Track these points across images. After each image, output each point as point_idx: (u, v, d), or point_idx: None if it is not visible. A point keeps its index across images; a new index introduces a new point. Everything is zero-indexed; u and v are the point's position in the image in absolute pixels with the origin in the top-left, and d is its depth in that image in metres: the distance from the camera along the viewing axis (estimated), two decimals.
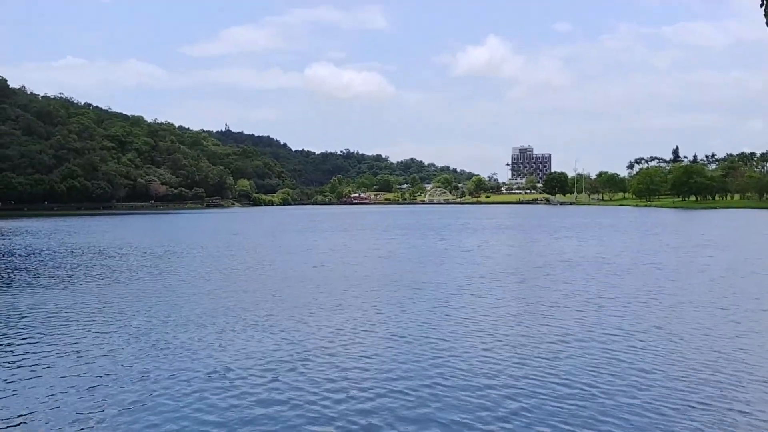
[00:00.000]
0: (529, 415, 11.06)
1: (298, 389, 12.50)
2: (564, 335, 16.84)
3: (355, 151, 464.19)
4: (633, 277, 28.70)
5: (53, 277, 30.37)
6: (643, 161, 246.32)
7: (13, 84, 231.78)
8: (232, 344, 16.13)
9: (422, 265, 34.72)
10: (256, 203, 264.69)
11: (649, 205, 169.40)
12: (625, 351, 15.11)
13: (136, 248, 46.89)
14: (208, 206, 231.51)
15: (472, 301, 22.44)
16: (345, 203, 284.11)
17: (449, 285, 26.46)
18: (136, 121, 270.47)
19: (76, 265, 35.35)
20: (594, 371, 13.47)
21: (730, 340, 16.22)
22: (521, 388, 12.42)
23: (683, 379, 12.94)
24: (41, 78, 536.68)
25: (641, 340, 16.15)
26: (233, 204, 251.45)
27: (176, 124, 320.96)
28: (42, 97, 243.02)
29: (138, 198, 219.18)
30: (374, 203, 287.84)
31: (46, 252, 44.08)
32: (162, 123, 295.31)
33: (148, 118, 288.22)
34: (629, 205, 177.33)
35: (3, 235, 65.05)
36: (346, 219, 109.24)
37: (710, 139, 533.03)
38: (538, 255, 41.13)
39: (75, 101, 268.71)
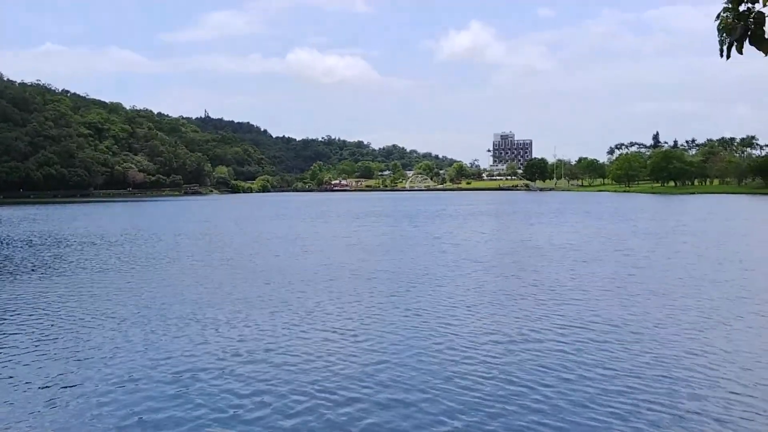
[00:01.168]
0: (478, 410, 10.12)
1: (214, 388, 11.49)
2: (519, 326, 15.91)
3: (337, 138, 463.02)
4: (599, 264, 27.85)
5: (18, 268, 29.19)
6: (623, 147, 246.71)
7: None
8: (154, 342, 15.08)
9: (386, 253, 33.67)
10: (235, 190, 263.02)
11: (628, 191, 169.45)
12: (578, 342, 14.20)
13: (94, 236, 45.61)
14: (186, 193, 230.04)
15: (426, 291, 21.45)
16: (325, 190, 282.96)
17: (407, 275, 25.46)
18: (115, 108, 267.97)
19: (22, 258, 34.12)
20: (541, 366, 12.54)
21: (688, 328, 15.36)
22: (465, 383, 11.49)
23: (631, 371, 12.05)
24: (20, 65, 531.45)
25: (595, 331, 15.25)
26: (211, 191, 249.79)
27: (156, 111, 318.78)
28: (18, 83, 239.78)
29: (115, 185, 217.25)
30: (355, 190, 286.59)
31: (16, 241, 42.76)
32: (140, 110, 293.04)
33: (127, 105, 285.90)
34: (608, 191, 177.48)
35: None
36: (321, 206, 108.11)
37: (694, 125, 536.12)
38: (507, 242, 40.34)
39: (52, 88, 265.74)
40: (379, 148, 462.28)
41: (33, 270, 28.20)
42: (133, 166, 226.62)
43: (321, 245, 38.77)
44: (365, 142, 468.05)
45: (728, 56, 5.44)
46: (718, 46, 5.45)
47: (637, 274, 24.81)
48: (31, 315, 18.18)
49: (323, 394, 11.27)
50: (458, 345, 14.41)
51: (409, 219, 64.58)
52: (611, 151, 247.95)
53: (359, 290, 21.76)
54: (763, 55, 5.28)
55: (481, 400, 10.93)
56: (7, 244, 41.29)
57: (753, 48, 5.31)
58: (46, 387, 11.84)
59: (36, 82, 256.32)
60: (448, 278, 24.39)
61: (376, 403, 10.89)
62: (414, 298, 20.23)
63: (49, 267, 29.15)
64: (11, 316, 18.12)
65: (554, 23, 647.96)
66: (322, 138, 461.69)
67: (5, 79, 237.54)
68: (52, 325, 16.78)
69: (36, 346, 14.75)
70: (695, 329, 15.59)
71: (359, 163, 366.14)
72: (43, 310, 18.87)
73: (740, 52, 5.40)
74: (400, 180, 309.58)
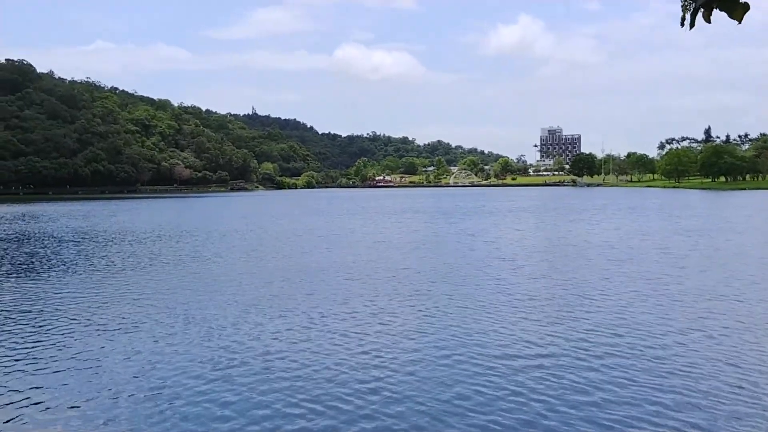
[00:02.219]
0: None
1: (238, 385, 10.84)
2: (534, 331, 14.95)
3: (382, 134, 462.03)
4: (633, 264, 26.57)
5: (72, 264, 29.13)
6: (674, 141, 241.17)
7: (42, 69, 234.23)
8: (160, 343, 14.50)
9: (413, 251, 32.92)
10: (280, 186, 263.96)
11: (678, 187, 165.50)
12: (592, 349, 13.20)
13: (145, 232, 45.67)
14: (232, 189, 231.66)
15: (445, 292, 20.54)
16: (369, 186, 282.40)
17: (430, 274, 24.62)
18: (162, 104, 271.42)
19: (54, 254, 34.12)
20: (555, 377, 11.61)
21: (714, 335, 14.21)
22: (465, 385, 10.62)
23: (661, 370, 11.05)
24: (71, 63, 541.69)
25: (615, 337, 14.21)
26: (257, 187, 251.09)
27: (203, 108, 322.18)
28: (69, 81, 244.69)
29: (162, 182, 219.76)
30: (398, 186, 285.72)
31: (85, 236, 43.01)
32: (188, 106, 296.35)
33: (175, 102, 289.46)
34: (657, 187, 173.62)
35: (35, 218, 64.26)
36: (361, 202, 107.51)
37: (747, 119, 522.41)
38: (541, 240, 39.15)
39: (101, 85, 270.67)
40: (424, 144, 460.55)
41: (58, 266, 28.07)
42: (179, 162, 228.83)
43: (348, 242, 38.09)
44: (410, 138, 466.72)
45: (692, 25, 4.34)
46: (681, 13, 4.39)
47: (673, 275, 23.51)
48: (53, 313, 17.83)
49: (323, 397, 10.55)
50: (465, 353, 13.52)
51: (446, 216, 63.55)
52: (662, 146, 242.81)
53: (377, 290, 20.95)
54: (736, 23, 4.24)
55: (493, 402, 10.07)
56: (52, 238, 41.48)
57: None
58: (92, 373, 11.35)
59: (85, 80, 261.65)
60: (470, 278, 23.44)
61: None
62: (431, 298, 19.35)
63: (73, 263, 28.98)
64: (49, 313, 17.79)
65: (602, 16, 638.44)
66: (367, 134, 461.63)
67: (56, 77, 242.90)
68: (66, 324, 16.39)
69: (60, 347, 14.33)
70: (722, 335, 14.43)
71: (403, 159, 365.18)
72: (57, 308, 18.52)
73: (707, 20, 4.33)
74: (444, 176, 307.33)
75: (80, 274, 25.50)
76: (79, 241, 39.96)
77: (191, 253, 32.55)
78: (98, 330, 15.81)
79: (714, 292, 19.80)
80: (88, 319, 17.01)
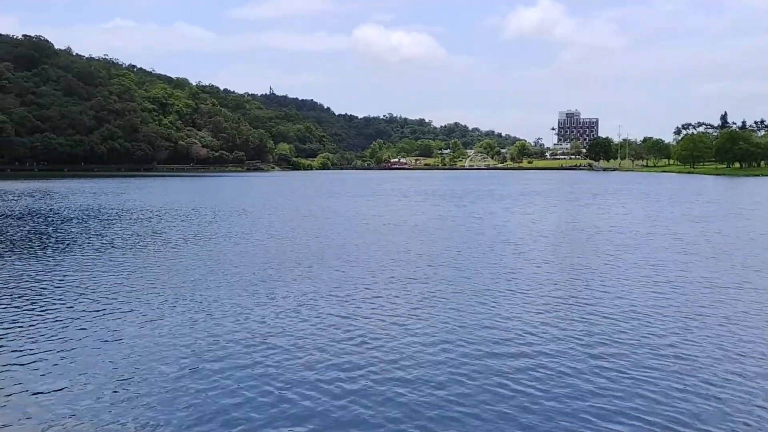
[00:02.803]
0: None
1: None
2: (528, 318, 14.87)
3: (398, 116, 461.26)
4: (639, 250, 26.36)
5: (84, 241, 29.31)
6: (690, 127, 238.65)
7: (60, 45, 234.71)
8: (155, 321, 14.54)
9: (419, 234, 32.87)
10: (296, 167, 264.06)
11: (693, 172, 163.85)
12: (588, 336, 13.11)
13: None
14: (249, 169, 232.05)
15: (447, 277, 20.49)
16: (384, 168, 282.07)
17: (433, 258, 24.54)
18: (180, 83, 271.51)
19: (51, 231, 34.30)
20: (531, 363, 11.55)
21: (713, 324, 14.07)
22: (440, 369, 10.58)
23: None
24: (89, 40, 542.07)
25: (607, 324, 14.10)
26: (273, 168, 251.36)
27: (222, 87, 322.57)
28: (87, 58, 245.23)
29: (179, 160, 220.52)
30: (413, 168, 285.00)
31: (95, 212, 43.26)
32: (205, 85, 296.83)
33: (193, 81, 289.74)
34: (672, 172, 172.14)
35: (56, 194, 64.73)
36: (374, 184, 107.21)
37: (765, 106, 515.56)
38: (549, 223, 38.86)
39: (119, 62, 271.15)
40: (441, 126, 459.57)
41: (60, 244, 28.24)
42: (196, 141, 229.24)
43: (354, 225, 37.99)
44: (426, 120, 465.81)
45: None
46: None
47: (679, 261, 23.29)
48: (55, 291, 17.94)
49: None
50: (455, 340, 13.47)
51: (457, 199, 63.35)
52: (678, 131, 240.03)
53: (374, 274, 20.91)
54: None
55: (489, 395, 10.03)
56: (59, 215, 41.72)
57: None
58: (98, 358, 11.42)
59: (103, 57, 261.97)
60: (471, 262, 23.32)
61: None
62: (428, 283, 19.30)
63: (71, 241, 29.13)
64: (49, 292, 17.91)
65: (623, 1, 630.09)
66: (384, 116, 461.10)
67: (74, 53, 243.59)
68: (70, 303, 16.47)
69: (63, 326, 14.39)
70: (720, 324, 14.29)
71: (419, 142, 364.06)
72: (56, 286, 18.63)
73: None
74: (460, 159, 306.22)
75: (74, 254, 25.35)
76: (83, 219, 40.19)
77: (194, 233, 32.65)
78: (82, 312, 15.70)
79: (716, 281, 19.61)
80: (74, 300, 16.96)
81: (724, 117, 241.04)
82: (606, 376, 11.06)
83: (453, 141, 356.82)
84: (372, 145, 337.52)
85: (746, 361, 11.87)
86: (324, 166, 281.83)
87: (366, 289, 18.43)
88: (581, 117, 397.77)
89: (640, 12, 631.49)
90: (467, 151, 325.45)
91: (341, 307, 16.18)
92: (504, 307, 16.06)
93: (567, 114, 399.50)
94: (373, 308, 16.05)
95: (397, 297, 17.36)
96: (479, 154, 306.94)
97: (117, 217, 41.44)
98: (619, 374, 11.18)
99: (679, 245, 27.63)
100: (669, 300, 16.86)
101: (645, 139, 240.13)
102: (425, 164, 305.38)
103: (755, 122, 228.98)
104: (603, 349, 12.54)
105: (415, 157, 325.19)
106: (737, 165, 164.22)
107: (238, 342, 13.10)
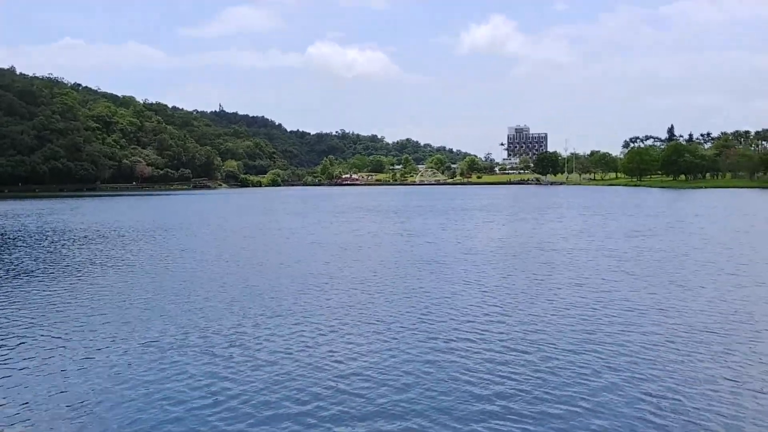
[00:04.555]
0: None
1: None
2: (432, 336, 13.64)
3: (351, 132, 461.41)
4: (566, 268, 25.44)
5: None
6: (638, 140, 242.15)
7: (4, 65, 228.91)
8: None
9: (347, 251, 31.67)
10: (244, 184, 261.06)
11: (639, 185, 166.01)
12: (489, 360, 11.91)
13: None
14: (195, 187, 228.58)
15: (363, 299, 19.20)
16: (335, 184, 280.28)
17: (357, 276, 23.26)
18: (126, 101, 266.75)
19: None
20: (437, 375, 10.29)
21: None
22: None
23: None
24: (37, 60, 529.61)
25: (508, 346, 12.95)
26: (220, 185, 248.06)
27: (171, 105, 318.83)
28: (32, 76, 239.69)
29: (123, 179, 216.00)
30: (365, 184, 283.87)
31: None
32: (152, 103, 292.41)
33: (141, 99, 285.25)
34: (619, 185, 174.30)
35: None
36: (319, 201, 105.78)
37: (713, 119, 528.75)
38: (482, 240, 37.84)
39: (64, 81, 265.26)
40: (393, 142, 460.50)
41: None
42: (140, 159, 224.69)
43: (283, 242, 36.61)
44: (379, 136, 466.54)
45: None
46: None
47: (603, 278, 22.41)
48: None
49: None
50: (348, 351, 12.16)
51: (393, 214, 62.24)
52: (626, 145, 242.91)
53: (287, 293, 19.54)
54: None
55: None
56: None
57: None
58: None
59: (47, 76, 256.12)
60: (391, 281, 22.11)
61: None
62: (343, 306, 17.99)
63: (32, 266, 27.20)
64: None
65: (571, 17, 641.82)
66: (336, 132, 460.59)
67: (18, 73, 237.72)
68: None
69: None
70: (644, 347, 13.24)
71: (371, 157, 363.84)
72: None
73: None
74: (411, 174, 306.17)
75: None
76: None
77: (130, 255, 30.90)
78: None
79: (640, 300, 18.70)
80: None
81: (671, 130, 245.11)
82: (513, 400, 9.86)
83: (404, 157, 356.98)
84: (323, 162, 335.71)
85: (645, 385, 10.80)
86: (274, 183, 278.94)
87: (269, 309, 17.04)
88: (530, 132, 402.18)
89: (589, 28, 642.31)
90: (419, 166, 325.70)
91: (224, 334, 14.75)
92: (401, 335, 14.81)
93: (516, 129, 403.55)
94: (276, 332, 14.69)
95: (313, 316, 15.98)
96: (429, 170, 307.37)
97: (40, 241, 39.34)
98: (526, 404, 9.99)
99: (606, 263, 26.73)
100: (586, 323, 15.83)
101: (592, 153, 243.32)
102: (377, 180, 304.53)
103: (701, 135, 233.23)
104: (507, 380, 11.36)
105: (367, 173, 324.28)
106: (683, 177, 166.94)
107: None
